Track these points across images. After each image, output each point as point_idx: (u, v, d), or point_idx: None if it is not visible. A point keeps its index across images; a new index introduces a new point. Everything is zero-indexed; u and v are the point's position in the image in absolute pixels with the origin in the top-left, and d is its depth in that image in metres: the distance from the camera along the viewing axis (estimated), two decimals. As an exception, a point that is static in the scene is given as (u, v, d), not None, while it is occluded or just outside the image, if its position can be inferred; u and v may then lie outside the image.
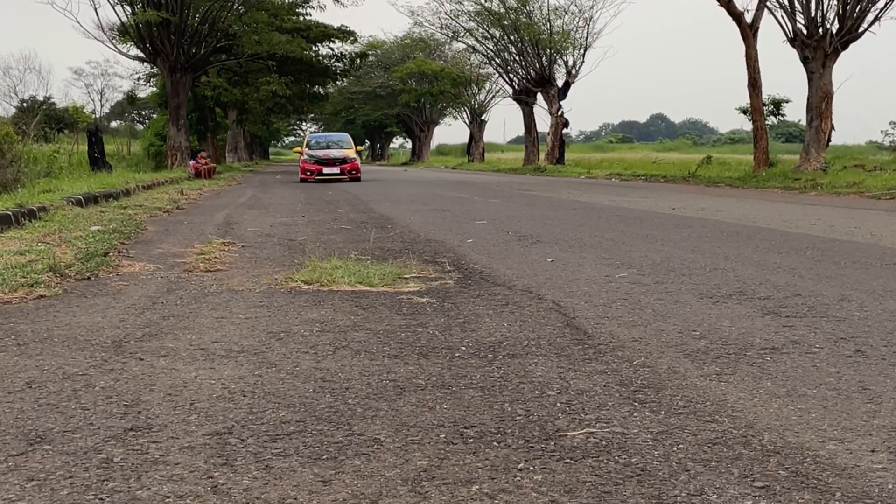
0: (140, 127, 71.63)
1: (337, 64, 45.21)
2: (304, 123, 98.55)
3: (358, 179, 31.97)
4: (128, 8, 33.63)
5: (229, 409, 3.42)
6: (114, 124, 77.83)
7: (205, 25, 35.48)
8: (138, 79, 53.22)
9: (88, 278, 6.87)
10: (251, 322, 5.16)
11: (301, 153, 34.30)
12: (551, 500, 2.46)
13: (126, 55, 36.71)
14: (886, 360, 4.05)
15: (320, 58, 44.59)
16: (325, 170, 31.84)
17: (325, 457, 2.86)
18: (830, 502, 2.42)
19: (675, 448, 2.89)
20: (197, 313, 5.46)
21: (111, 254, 8.17)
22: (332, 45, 44.74)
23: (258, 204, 17.23)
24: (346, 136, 36.49)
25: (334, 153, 33.11)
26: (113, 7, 34.40)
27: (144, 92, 55.03)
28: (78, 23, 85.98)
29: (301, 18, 42.49)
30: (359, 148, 35.71)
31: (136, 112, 79.15)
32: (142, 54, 34.99)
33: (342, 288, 6.41)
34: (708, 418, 3.21)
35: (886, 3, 25.98)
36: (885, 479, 2.58)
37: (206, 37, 35.70)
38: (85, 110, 46.21)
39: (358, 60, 46.54)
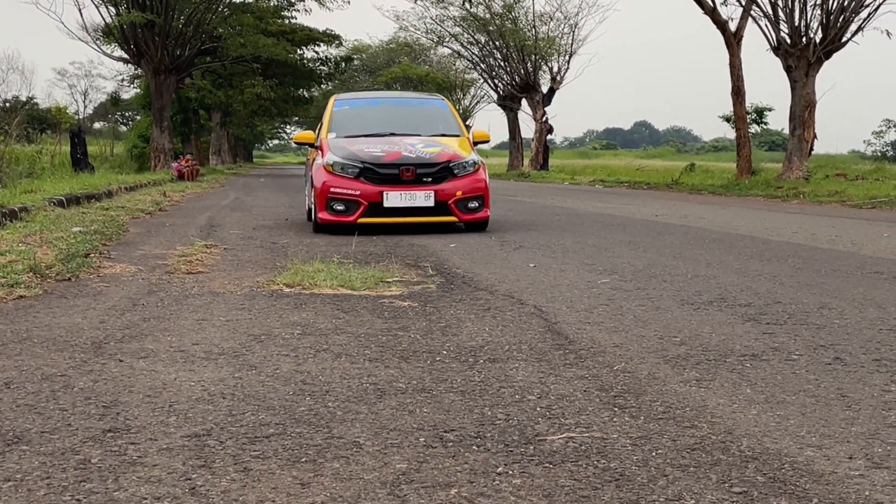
0: (123, 128, 71.44)
1: (322, 67, 45.23)
2: (288, 126, 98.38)
3: (482, 224, 11.89)
4: (112, 9, 33.48)
5: (208, 411, 3.41)
6: (97, 125, 77.53)
7: (189, 27, 35.35)
8: (122, 80, 53.25)
9: (69, 279, 6.84)
10: (232, 324, 5.15)
11: (317, 151, 12.42)
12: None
13: (110, 56, 36.51)
14: (865, 367, 4.06)
15: (305, 61, 44.62)
16: (390, 194, 11.27)
17: (303, 459, 2.86)
18: (807, 508, 2.43)
19: (653, 453, 2.89)
20: (177, 315, 5.44)
21: (92, 255, 8.14)
22: (317, 48, 44.82)
23: (241, 206, 17.20)
24: (439, 104, 14.07)
25: (411, 147, 11.84)
26: (97, 8, 34.39)
27: (128, 93, 54.95)
28: (62, 23, 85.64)
29: (286, 21, 42.52)
30: (479, 135, 12.87)
31: (119, 113, 78.92)
32: (126, 55, 34.83)
33: (324, 291, 6.40)
34: (687, 424, 3.22)
35: (869, 14, 26.13)
36: (861, 486, 2.59)
37: (191, 39, 35.58)
38: (68, 111, 45.96)
39: (343, 64, 46.57)
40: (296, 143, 13.40)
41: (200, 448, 2.98)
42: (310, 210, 12.58)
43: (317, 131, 13.18)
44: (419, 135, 12.33)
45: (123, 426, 3.22)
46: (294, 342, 4.68)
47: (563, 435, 3.09)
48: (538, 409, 3.42)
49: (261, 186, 28.72)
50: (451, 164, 11.42)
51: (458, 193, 11.29)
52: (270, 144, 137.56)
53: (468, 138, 12.43)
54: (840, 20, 25.95)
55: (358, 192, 11.06)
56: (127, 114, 79.12)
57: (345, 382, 3.86)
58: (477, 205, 11.48)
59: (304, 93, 49.51)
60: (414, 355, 4.35)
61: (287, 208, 16.58)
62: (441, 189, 11.24)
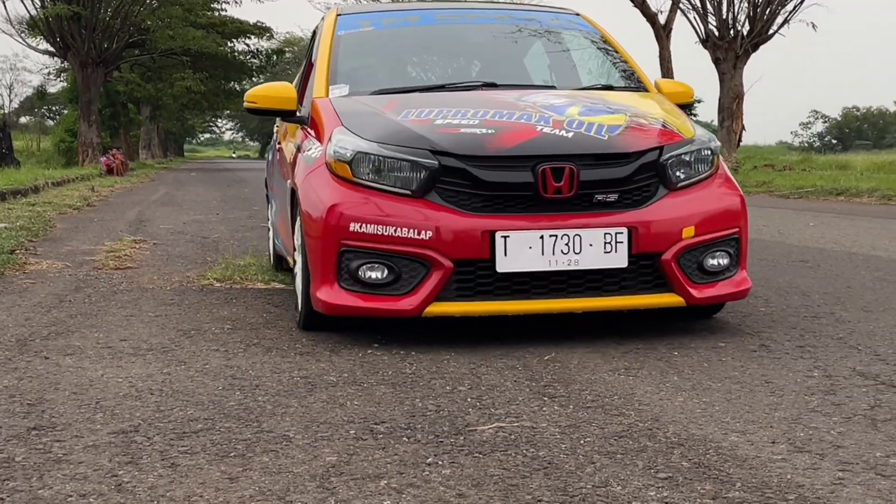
0: (50, 123, 70.24)
1: (253, 60, 44.78)
2: (219, 120, 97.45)
3: (720, 304, 4.80)
4: (37, 1, 32.88)
5: (136, 408, 3.37)
6: (23, 120, 76.13)
7: (117, 20, 34.84)
8: (48, 74, 52.29)
9: (-7, 276, 6.71)
10: (161, 320, 5.09)
11: (301, 131, 5.29)
12: (458, 494, 2.48)
13: (35, 49, 35.86)
14: (789, 354, 4.14)
15: (236, 54, 44.14)
16: (514, 237, 4.18)
17: (232, 454, 2.84)
18: (731, 492, 2.47)
19: (581, 441, 2.92)
20: (105, 311, 5.37)
21: (18, 252, 7.99)
22: (247, 41, 44.32)
23: (171, 201, 17.00)
24: (576, 23, 6.15)
25: (552, 112, 4.59)
26: (21, 0, 33.66)
27: (55, 87, 53.95)
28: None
29: (216, 14, 42.02)
30: (674, 90, 5.51)
31: (46, 108, 77.51)
32: (52, 49, 34.25)
33: (256, 286, 6.37)
34: (615, 412, 3.26)
35: (795, 7, 26.55)
36: (784, 470, 2.64)
37: (119, 31, 35.07)
38: (-8, 105, 45.08)
39: (274, 57, 46.14)
40: (249, 108, 5.41)
41: (127, 444, 2.94)
42: (279, 257, 6.82)
43: (296, 84, 6.33)
44: (552, 86, 5.65)
45: (49, 424, 3.18)
46: (224, 337, 4.65)
47: (493, 425, 3.11)
48: (469, 399, 3.44)
49: (192, 181, 28.41)
50: (665, 158, 4.49)
51: (688, 232, 4.42)
52: (202, 138, 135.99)
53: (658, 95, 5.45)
54: (766, 13, 26.35)
55: (424, 234, 4.21)
56: (54, 108, 77.74)
57: (275, 376, 3.84)
58: (727, 261, 4.57)
59: (236, 86, 48.99)
60: (345, 348, 4.34)
61: (219, 202, 16.41)
62: (644, 222, 4.35)
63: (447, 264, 4.17)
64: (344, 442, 2.95)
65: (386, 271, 4.24)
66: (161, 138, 70.48)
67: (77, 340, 4.58)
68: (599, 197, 4.32)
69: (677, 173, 4.50)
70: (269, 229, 7.60)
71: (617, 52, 5.88)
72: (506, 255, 4.18)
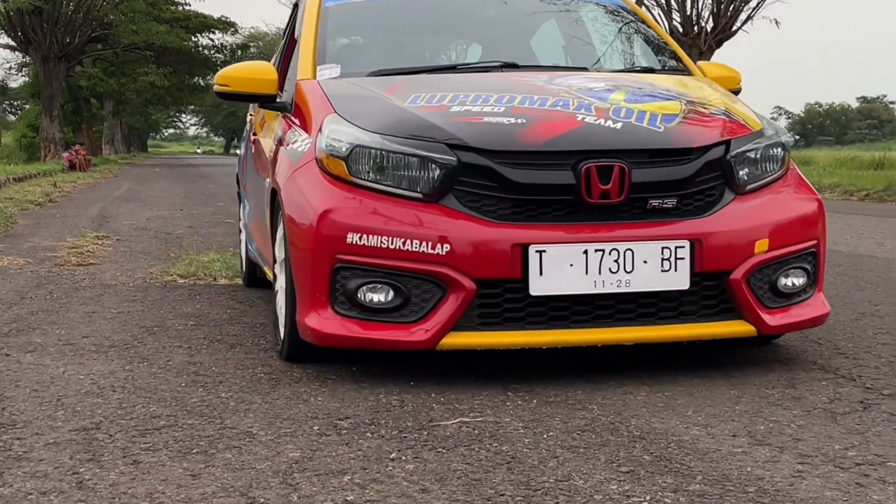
0: (12, 118, 69.52)
1: (217, 55, 44.52)
2: (183, 115, 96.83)
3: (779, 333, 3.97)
4: (-2, -6, 32.53)
5: (98, 405, 3.35)
6: (-16, 115, 75.24)
7: (79, 14, 34.56)
8: (9, 68, 51.71)
9: (-47, 273, 6.64)
10: (123, 316, 5.06)
11: (281, 120, 4.50)
12: (422, 489, 2.48)
13: (-4, 43, 35.47)
14: (751, 348, 4.17)
15: (200, 48, 43.87)
16: (551, 252, 3.44)
17: (195, 451, 2.83)
18: (691, 485, 2.49)
19: (545, 435, 2.94)
20: (67, 308, 5.33)
21: (-22, 248, 7.91)
22: (212, 35, 44.08)
23: (135, 197, 16.89)
24: None
25: (594, 98, 3.87)
26: (-19, -7, 33.29)
27: (16, 82, 53.31)
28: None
29: (180, 8, 41.77)
30: (720, 73, 4.81)
31: (7, 103, 76.73)
32: (13, 43, 33.90)
33: (219, 282, 6.34)
34: (578, 406, 3.27)
35: (759, 3, 26.76)
36: (744, 463, 2.67)
37: (81, 26, 34.79)
38: (-48, 100, 44.58)
39: (239, 52, 45.90)
40: (221, 92, 4.65)
41: (89, 442, 2.93)
42: (254, 265, 5.99)
43: (274, 65, 5.38)
44: (583, 67, 4.80)
45: (9, 421, 3.15)
46: (187, 333, 4.63)
47: (457, 420, 3.11)
48: (433, 394, 3.44)
49: (156, 177, 28.24)
50: (732, 155, 3.75)
51: (761, 245, 3.69)
52: (166, 134, 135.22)
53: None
54: (730, 9, 26.54)
55: (439, 248, 3.46)
56: (15, 103, 77.00)
57: (238, 373, 3.83)
58: (803, 280, 3.84)
59: (200, 81, 48.71)
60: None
61: (183, 198, 16.32)
62: (709, 233, 3.60)
63: (468, 285, 3.41)
64: (307, 437, 2.95)
65: (391, 293, 3.48)
66: (124, 134, 69.94)
67: (38, 337, 4.54)
68: (655, 202, 3.57)
69: (745, 173, 3.76)
70: (240, 231, 6.65)
71: (649, 26, 5.19)
72: (541, 274, 3.43)
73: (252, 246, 5.69)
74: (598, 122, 3.68)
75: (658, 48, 5.07)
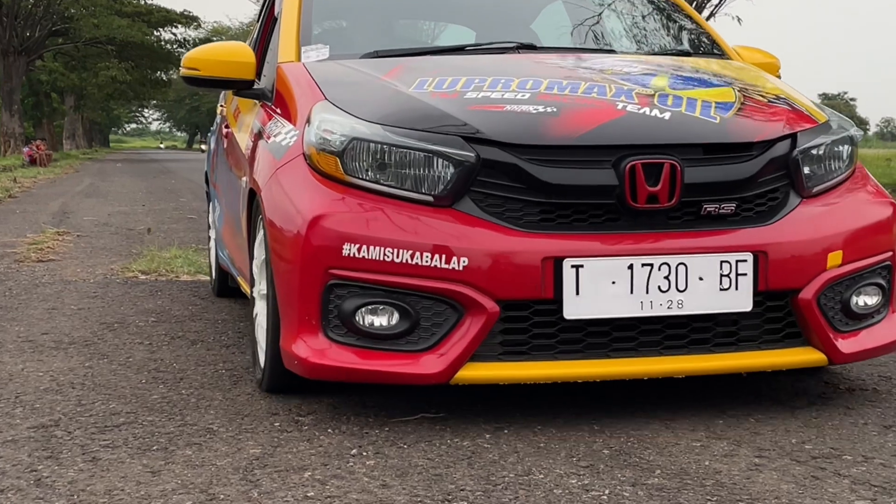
0: (-29, 112, 68.63)
1: (180, 49, 44.25)
2: (146, 110, 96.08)
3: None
4: (-44, -13, 32.15)
5: (57, 402, 3.33)
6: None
7: (39, 7, 34.23)
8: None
9: (-90, 269, 6.56)
10: (84, 313, 5.03)
11: (260, 109, 3.98)
12: (383, 485, 2.49)
13: (-45, 37, 35.04)
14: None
15: (162, 43, 43.61)
16: (589, 267, 2.91)
17: (155, 447, 2.82)
18: (650, 479, 2.51)
19: (505, 431, 2.95)
20: (27, 304, 5.28)
21: (-64, 244, 7.82)
22: (174, 30, 43.86)
23: (96, 192, 16.75)
24: None
25: (636, 84, 3.36)
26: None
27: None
28: None
29: (142, 2, 41.49)
30: (757, 58, 4.30)
31: (-34, 96, 75.80)
32: (-28, 36, 33.50)
33: (181, 278, 6.31)
34: (538, 402, 3.29)
35: (720, 0, 26.95)
36: (702, 457, 2.70)
37: (42, 19, 34.47)
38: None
39: (202, 46, 45.67)
40: (189, 77, 4.09)
41: (47, 439, 2.91)
42: (225, 273, 5.43)
43: (251, 43, 5.01)
44: (609, 49, 4.30)
45: (-34, 419, 3.13)
46: (148, 330, 4.60)
47: (418, 415, 3.12)
48: (393, 389, 3.44)
49: (117, 172, 27.99)
50: (799, 151, 3.21)
51: (834, 258, 3.15)
52: (128, 129, 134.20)
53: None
54: (693, 6, 26.72)
55: (455, 262, 2.92)
56: (-26, 97, 76.08)
57: (200, 369, 3.82)
58: (877, 299, 3.29)
59: (163, 75, 48.40)
60: (271, 340, 4.32)
61: (145, 194, 16.21)
62: (776, 244, 3.07)
63: (489, 307, 2.87)
64: (268, 434, 2.95)
65: (396, 316, 2.93)
66: (86, 128, 69.33)
67: (-3, 334, 4.50)
68: (710, 207, 3.03)
69: (812, 173, 3.22)
70: (209, 236, 6.12)
71: (675, 3, 4.59)
72: (577, 293, 2.89)
73: (223, 252, 5.18)
74: (641, 111, 3.14)
75: (687, 28, 4.51)
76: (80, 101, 54.47)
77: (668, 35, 4.53)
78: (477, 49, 4.04)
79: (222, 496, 2.41)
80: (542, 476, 2.54)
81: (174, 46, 44.26)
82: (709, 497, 2.38)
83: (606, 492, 2.42)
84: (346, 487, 2.47)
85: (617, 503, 2.35)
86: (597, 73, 3.52)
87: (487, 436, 2.90)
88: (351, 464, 2.66)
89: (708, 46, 4.32)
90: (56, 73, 42.58)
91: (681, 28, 4.54)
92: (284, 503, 2.37)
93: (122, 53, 40.86)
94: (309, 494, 2.42)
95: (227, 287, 5.49)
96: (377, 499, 2.39)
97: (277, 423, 3.05)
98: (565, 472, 2.57)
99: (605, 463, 2.64)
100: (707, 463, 2.64)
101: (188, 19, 42.79)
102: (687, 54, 4.15)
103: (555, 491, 2.43)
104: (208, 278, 6.18)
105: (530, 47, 3.97)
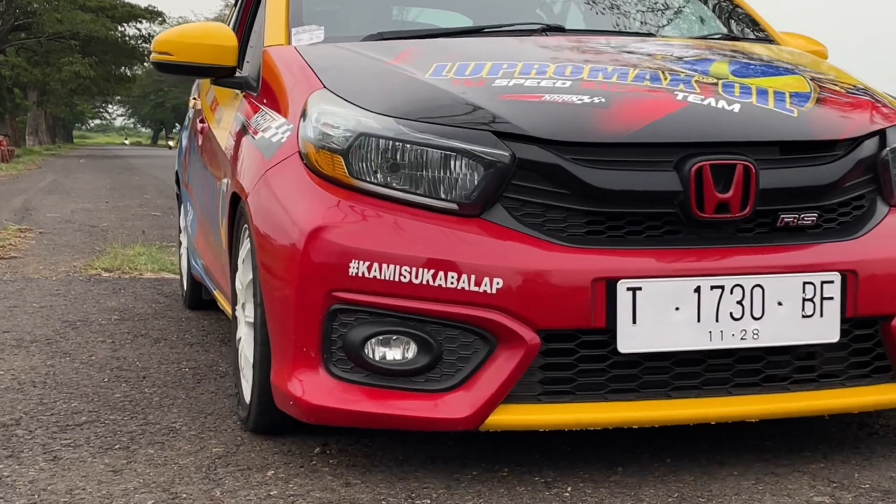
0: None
1: (145, 45, 44.00)
2: (110, 105, 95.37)
3: None
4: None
5: (17, 401, 3.31)
6: None
7: (1, 2, 33.85)
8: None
9: None
10: (46, 311, 4.99)
11: (243, 101, 3.48)
12: (345, 483, 2.49)
13: (-85, 31, 34.63)
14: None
15: (127, 38, 43.33)
16: (648, 289, 2.42)
17: (117, 446, 2.81)
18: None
19: (469, 428, 2.95)
20: (-13, 302, 5.24)
21: None
22: (139, 25, 43.60)
23: (59, 189, 16.61)
24: None
25: (692, 70, 2.88)
26: None
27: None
28: None
29: (106, -3, 41.19)
30: (804, 44, 3.82)
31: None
32: (-68, 30, 33.13)
33: (145, 275, 6.28)
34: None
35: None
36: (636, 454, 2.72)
37: (4, 13, 34.12)
38: None
39: (167, 42, 45.40)
40: (161, 63, 3.54)
41: (8, 438, 2.89)
42: (198, 284, 4.94)
43: (230, 22, 4.76)
44: (648, 33, 3.70)
45: (-75, 419, 3.10)
46: (111, 328, 4.58)
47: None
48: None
49: (81, 168, 27.77)
50: (887, 151, 2.73)
51: None
52: (92, 124, 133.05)
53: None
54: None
55: (487, 284, 2.43)
56: (-65, 92, 75.19)
57: (163, 368, 3.80)
58: None
59: (127, 71, 48.08)
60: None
61: (109, 190, 16.09)
62: (866, 262, 2.59)
63: (528, 338, 2.40)
64: (231, 433, 2.94)
65: (414, 348, 2.46)
66: (49, 124, 68.67)
67: (-43, 332, 4.46)
68: (788, 218, 2.57)
69: None
70: (180, 242, 5.55)
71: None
72: (634, 322, 2.42)
73: (197, 262, 4.65)
74: (706, 101, 2.65)
75: (727, 9, 4.03)
76: (43, 96, 53.93)
77: (706, 17, 4.04)
78: (497, 31, 3.47)
79: (185, 495, 2.41)
80: (506, 471, 2.55)
81: (139, 42, 44.01)
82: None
83: (568, 488, 2.43)
84: (309, 486, 2.47)
85: None
86: (645, 58, 3.03)
87: (451, 433, 2.91)
88: (314, 462, 2.66)
89: (752, 30, 3.81)
90: (18, 68, 42.14)
91: (720, 8, 4.09)
92: (247, 502, 2.36)
93: (86, 48, 40.59)
94: (272, 493, 2.42)
95: (199, 300, 5.00)
96: (340, 497, 2.39)
97: (240, 422, 3.05)
98: (530, 464, 2.58)
99: (566, 459, 2.66)
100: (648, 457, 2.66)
101: (153, 14, 42.60)
102: (733, 39, 3.69)
103: (517, 488, 2.44)
104: (172, 276, 6.15)
105: (558, 29, 3.51)
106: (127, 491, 2.44)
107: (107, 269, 6.41)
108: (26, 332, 4.47)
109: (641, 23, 3.81)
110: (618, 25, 3.78)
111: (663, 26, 3.89)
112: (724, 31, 3.87)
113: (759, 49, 3.43)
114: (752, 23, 3.87)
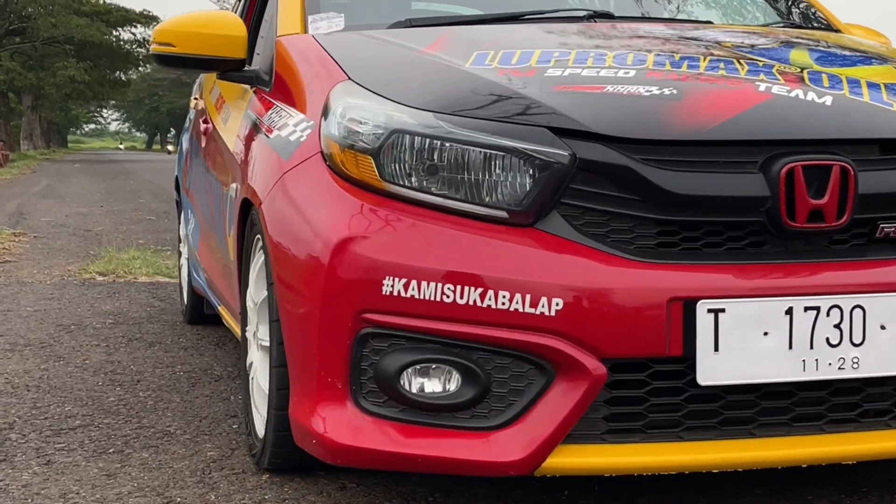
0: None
1: (139, 49, 44.03)
2: (104, 110, 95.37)
3: None
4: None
5: (11, 404, 3.30)
6: None
7: (-4, 6, 33.85)
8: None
9: None
10: (40, 315, 4.98)
11: (253, 96, 3.13)
12: (340, 487, 2.49)
13: None
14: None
15: (122, 43, 43.34)
16: (743, 308, 2.03)
17: (111, 450, 2.80)
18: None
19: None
20: (-19, 306, 5.23)
21: None
22: (133, 29, 43.63)
23: (54, 193, 16.59)
24: None
25: (782, 58, 2.52)
26: None
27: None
28: None
29: (101, 1, 41.20)
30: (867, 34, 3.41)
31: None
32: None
33: (139, 279, 6.27)
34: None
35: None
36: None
37: (-2, 18, 34.06)
38: None
39: (161, 46, 45.41)
40: (162, 55, 3.13)
41: (1, 442, 2.88)
42: (199, 298, 4.65)
43: (237, 11, 4.44)
44: (706, 21, 3.34)
45: (-82, 423, 3.09)
46: (105, 332, 4.56)
47: (377, 417, 3.11)
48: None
49: (75, 172, 27.73)
50: None
51: None
52: (87, 129, 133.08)
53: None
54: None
55: (543, 306, 2.04)
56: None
57: (157, 371, 3.79)
58: None
59: (122, 75, 48.07)
60: (231, 342, 4.30)
61: (103, 194, 16.07)
62: None
63: (593, 367, 2.04)
64: (226, 436, 2.93)
65: (458, 379, 2.10)
66: (44, 129, 68.66)
67: (-50, 336, 4.45)
68: (889, 228, 2.20)
69: None
70: (180, 252, 5.20)
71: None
72: (716, 349, 2.05)
73: (199, 274, 4.34)
74: (793, 93, 2.29)
75: None
76: (38, 101, 53.91)
77: (759, 3, 3.71)
78: (539, 17, 3.08)
79: (179, 499, 2.40)
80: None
81: (133, 46, 44.02)
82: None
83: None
84: (304, 490, 2.46)
85: None
86: (713, 46, 2.67)
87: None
88: (309, 466, 2.65)
89: (815, 18, 3.48)
90: (13, 72, 42.12)
91: None
92: (242, 506, 2.36)
93: (81, 53, 40.60)
94: (266, 497, 2.41)
95: (201, 314, 4.65)
96: (335, 501, 2.39)
97: (235, 425, 3.04)
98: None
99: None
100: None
101: (147, 19, 42.59)
102: (797, 27, 3.35)
103: (514, 492, 2.43)
104: (166, 279, 6.14)
105: (607, 16, 3.18)
106: (121, 495, 2.43)
107: (101, 273, 6.40)
108: (20, 335, 4.45)
109: (689, 11, 3.49)
110: (666, 12, 3.43)
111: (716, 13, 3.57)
112: (788, 19, 3.54)
113: (833, 37, 3.06)
114: (813, 10, 3.54)
